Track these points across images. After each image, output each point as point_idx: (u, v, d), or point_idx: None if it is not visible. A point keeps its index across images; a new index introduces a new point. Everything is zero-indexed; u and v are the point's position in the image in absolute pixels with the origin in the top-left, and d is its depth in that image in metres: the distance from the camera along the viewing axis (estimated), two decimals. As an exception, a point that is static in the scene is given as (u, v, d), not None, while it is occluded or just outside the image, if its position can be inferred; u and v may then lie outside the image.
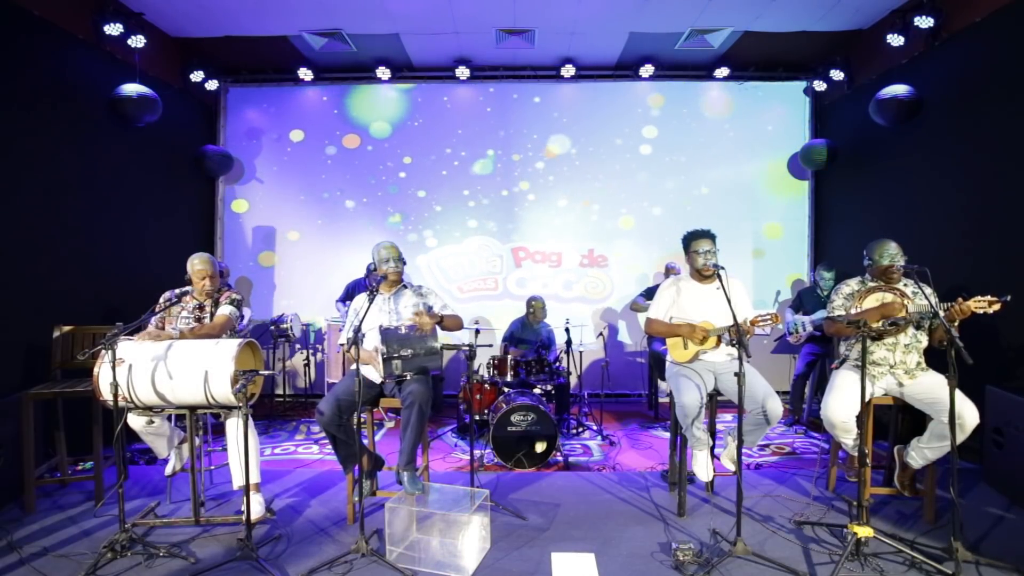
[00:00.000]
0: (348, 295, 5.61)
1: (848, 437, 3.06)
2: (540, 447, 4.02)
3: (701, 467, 3.24)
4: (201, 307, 3.31)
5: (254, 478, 3.07)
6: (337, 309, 5.65)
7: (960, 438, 2.72)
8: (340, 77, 6.31)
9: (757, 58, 6.05)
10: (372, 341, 3.14)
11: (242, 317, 5.16)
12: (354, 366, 2.78)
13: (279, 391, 6.19)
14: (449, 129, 6.47)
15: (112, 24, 4.53)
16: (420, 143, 6.46)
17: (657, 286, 4.10)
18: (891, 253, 3.11)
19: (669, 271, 5.44)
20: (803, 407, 5.19)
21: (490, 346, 5.51)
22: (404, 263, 3.40)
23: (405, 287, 3.40)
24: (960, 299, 2.86)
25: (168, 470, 3.29)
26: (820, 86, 6.02)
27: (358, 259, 5.93)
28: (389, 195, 6.49)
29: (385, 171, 6.47)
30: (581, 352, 5.28)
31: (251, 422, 2.94)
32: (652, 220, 6.49)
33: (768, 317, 3.08)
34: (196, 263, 3.30)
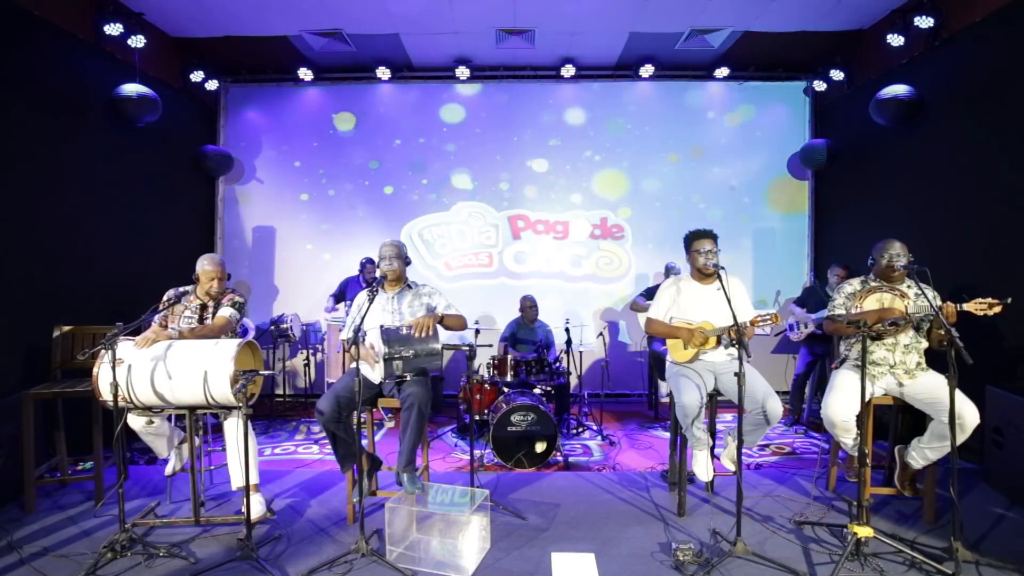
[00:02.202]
0: (341, 292, 5.61)
1: (848, 437, 3.06)
2: (540, 447, 4.02)
3: (701, 467, 3.24)
4: (204, 307, 3.31)
5: (253, 479, 3.06)
6: (332, 305, 5.62)
7: (960, 438, 2.72)
8: (340, 77, 6.32)
9: (757, 58, 6.05)
10: (373, 340, 3.13)
11: (246, 330, 5.16)
12: (354, 365, 2.78)
13: (279, 391, 6.19)
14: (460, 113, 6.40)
15: (112, 24, 4.53)
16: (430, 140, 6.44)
17: (657, 286, 4.10)
18: (893, 253, 3.10)
19: (669, 271, 5.44)
20: (803, 407, 5.20)
21: (490, 346, 5.51)
22: (408, 262, 3.39)
23: (409, 286, 3.40)
24: (948, 303, 2.86)
25: (168, 470, 3.29)
26: (820, 86, 6.02)
27: (358, 257, 5.90)
28: (391, 184, 6.41)
29: (389, 161, 6.42)
30: (581, 352, 5.28)
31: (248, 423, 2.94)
32: (654, 218, 6.42)
33: (768, 317, 3.08)
34: (206, 264, 3.28)
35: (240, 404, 2.74)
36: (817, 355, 4.99)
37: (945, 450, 2.84)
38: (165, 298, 3.27)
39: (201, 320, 3.27)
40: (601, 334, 5.62)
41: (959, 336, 2.51)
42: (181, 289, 3.34)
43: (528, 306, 5.38)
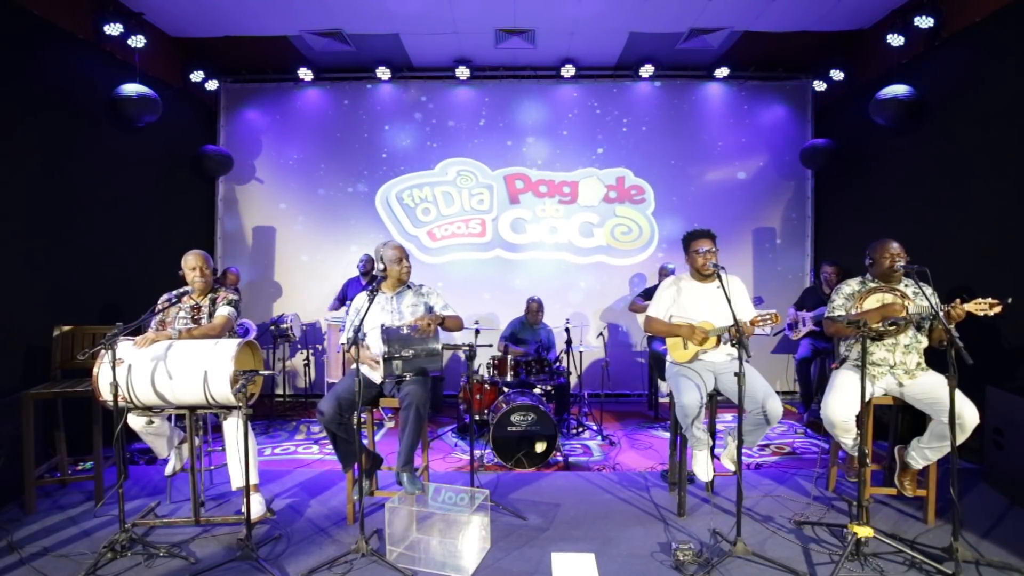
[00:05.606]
0: (343, 294, 5.60)
1: (848, 437, 3.06)
2: (540, 447, 4.02)
3: (701, 467, 3.24)
4: (197, 307, 3.30)
5: (253, 479, 3.06)
6: (334, 306, 5.62)
7: (960, 438, 2.72)
8: (340, 77, 6.32)
9: (757, 58, 6.05)
10: (374, 341, 3.13)
11: (247, 330, 5.17)
12: (354, 366, 2.78)
13: (279, 391, 6.19)
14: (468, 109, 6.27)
15: (112, 24, 4.53)
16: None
17: (656, 286, 4.10)
18: (892, 253, 3.10)
19: (663, 273, 5.42)
20: (811, 392, 5.07)
21: (490, 346, 5.51)
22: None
23: (408, 287, 3.40)
24: (957, 302, 2.86)
25: (168, 470, 3.29)
26: (820, 86, 6.02)
27: (357, 256, 5.88)
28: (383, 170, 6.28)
29: (390, 153, 6.34)
30: (581, 352, 5.27)
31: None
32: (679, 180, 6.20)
33: (768, 317, 3.08)
34: (188, 258, 3.30)
35: (240, 404, 2.74)
36: (819, 350, 4.97)
37: (945, 450, 2.84)
38: (162, 300, 3.26)
39: (194, 320, 3.26)
40: (601, 334, 5.62)
41: (959, 336, 2.51)
42: (178, 291, 3.34)
43: (535, 309, 5.36)
